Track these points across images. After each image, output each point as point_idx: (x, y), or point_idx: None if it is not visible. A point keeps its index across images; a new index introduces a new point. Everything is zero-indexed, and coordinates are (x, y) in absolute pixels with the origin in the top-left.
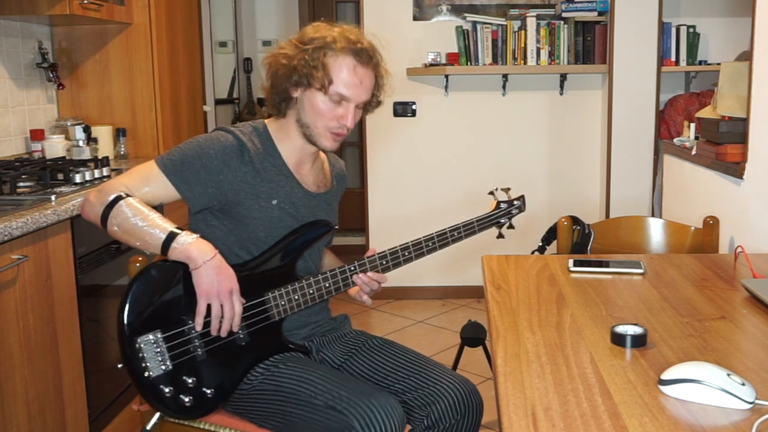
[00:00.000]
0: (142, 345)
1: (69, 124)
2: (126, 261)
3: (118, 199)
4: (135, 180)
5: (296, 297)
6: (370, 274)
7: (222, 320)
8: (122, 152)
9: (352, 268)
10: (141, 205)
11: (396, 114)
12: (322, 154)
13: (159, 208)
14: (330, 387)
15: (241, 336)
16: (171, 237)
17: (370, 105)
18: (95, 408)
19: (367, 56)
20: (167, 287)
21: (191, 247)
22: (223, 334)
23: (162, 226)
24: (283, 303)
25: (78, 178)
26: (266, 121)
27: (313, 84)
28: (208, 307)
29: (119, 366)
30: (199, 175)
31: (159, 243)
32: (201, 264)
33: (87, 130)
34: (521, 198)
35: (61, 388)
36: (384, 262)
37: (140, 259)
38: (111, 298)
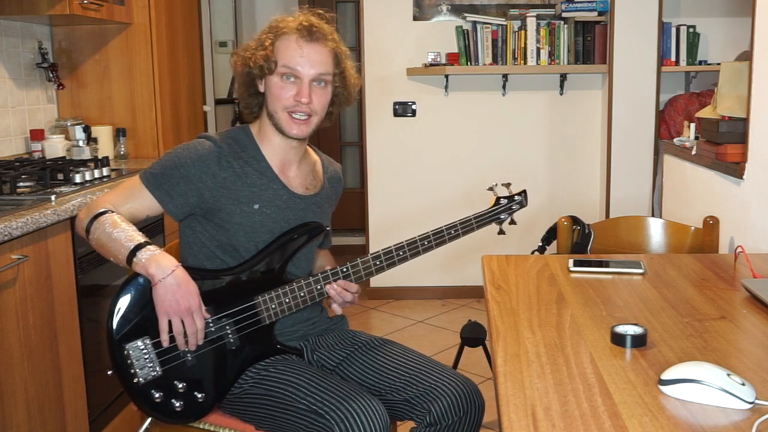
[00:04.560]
0: (130, 351)
1: (69, 124)
2: None
3: (102, 213)
4: (120, 196)
5: (287, 300)
6: (340, 282)
7: (186, 336)
8: (122, 152)
9: (345, 270)
10: (120, 219)
11: (396, 114)
12: (314, 156)
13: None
14: (314, 390)
15: (231, 340)
16: (135, 251)
17: (337, 96)
18: (95, 408)
19: (311, 33)
20: (150, 294)
21: (150, 262)
22: (191, 347)
23: (133, 238)
24: (273, 306)
25: (78, 178)
26: (250, 124)
27: (265, 70)
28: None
29: (109, 372)
30: (179, 186)
31: (124, 257)
32: (158, 281)
33: (87, 130)
34: (523, 193)
35: (61, 388)
36: (378, 263)
37: None
38: (111, 298)
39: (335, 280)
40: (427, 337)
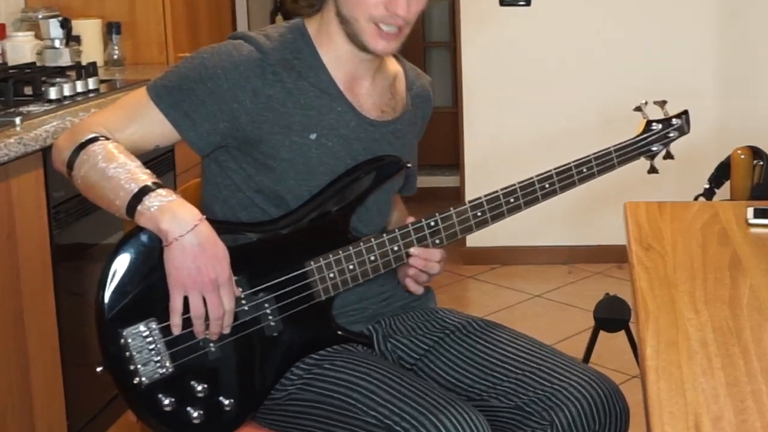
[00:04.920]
0: (129, 339)
1: (40, 16)
2: None
3: (91, 141)
4: (118, 117)
5: (351, 267)
6: (421, 251)
7: (208, 319)
8: (115, 56)
9: (433, 224)
10: (117, 150)
11: (503, 2)
12: (393, 66)
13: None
14: (388, 397)
15: (272, 324)
16: (140, 195)
17: None
18: (77, 419)
19: None
20: (160, 259)
21: (162, 213)
22: (212, 337)
23: (138, 178)
24: (331, 276)
25: (53, 93)
26: (305, 20)
27: None
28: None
29: (98, 369)
30: (205, 106)
31: (124, 204)
32: (173, 240)
33: (66, 25)
34: (683, 115)
35: (29, 392)
36: (479, 214)
37: None
38: (100, 263)
39: (420, 240)
40: (546, 318)
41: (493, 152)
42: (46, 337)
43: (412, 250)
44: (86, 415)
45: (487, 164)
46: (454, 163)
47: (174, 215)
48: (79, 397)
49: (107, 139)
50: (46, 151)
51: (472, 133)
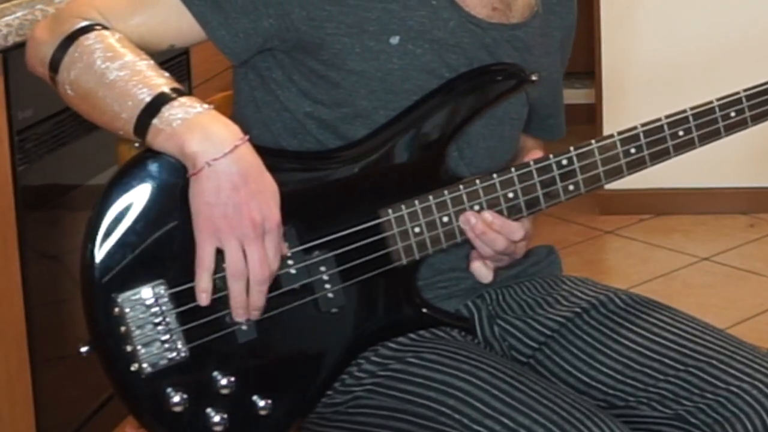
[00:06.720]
0: (126, 309)
1: None
2: (112, 140)
3: (83, 31)
4: (119, 2)
5: (444, 219)
6: (494, 221)
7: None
8: None
9: (564, 162)
10: (121, 44)
11: None
12: None
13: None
14: (500, 406)
15: (330, 297)
16: (156, 104)
17: None
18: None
19: None
20: (178, 198)
21: (188, 129)
22: (253, 309)
23: (151, 82)
24: (417, 230)
25: None
26: None
27: None
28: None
29: (83, 350)
30: None
31: (133, 117)
32: (203, 165)
33: None
34: None
35: None
36: (633, 150)
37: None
38: (83, 211)
39: (545, 185)
40: (720, 291)
41: (640, 61)
42: (7, 318)
43: (465, 214)
44: (67, 426)
45: (630, 76)
46: (588, 70)
47: (206, 132)
48: (55, 403)
49: (105, 28)
50: (7, 55)
51: (610, 34)
